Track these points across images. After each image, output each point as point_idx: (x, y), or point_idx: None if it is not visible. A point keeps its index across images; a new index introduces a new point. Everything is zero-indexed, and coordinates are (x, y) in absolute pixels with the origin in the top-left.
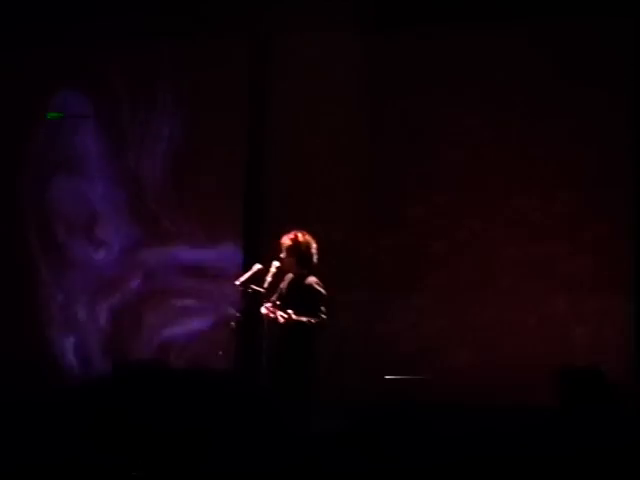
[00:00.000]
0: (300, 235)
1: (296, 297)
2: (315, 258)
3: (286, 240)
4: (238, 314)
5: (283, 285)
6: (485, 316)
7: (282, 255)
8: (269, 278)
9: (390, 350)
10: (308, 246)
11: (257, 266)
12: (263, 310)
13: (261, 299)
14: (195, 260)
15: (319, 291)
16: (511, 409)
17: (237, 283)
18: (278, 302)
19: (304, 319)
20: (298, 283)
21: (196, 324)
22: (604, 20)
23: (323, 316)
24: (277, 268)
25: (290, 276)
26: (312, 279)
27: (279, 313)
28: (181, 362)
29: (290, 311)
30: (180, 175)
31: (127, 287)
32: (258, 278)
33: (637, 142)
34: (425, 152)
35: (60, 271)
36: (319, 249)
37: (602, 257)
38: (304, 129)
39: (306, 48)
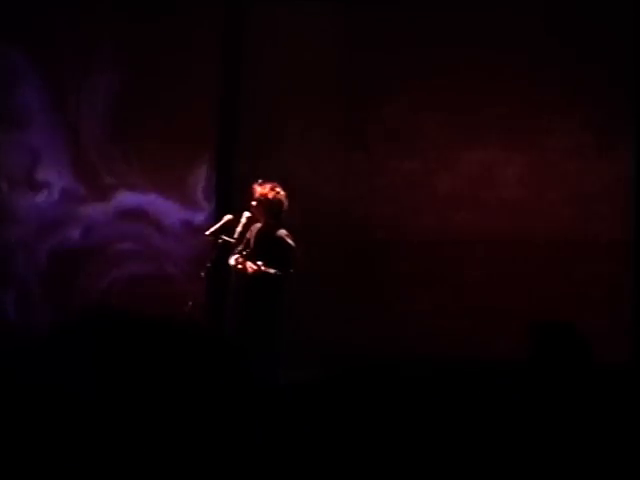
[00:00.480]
0: (272, 186)
1: (266, 249)
2: (285, 210)
3: (258, 190)
4: (208, 264)
5: (251, 235)
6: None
7: (253, 203)
8: (240, 228)
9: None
10: (280, 199)
11: (227, 216)
12: (231, 261)
13: (231, 249)
14: (138, 206)
15: (289, 244)
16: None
17: (207, 233)
18: (245, 252)
19: (272, 271)
20: (268, 234)
21: (137, 269)
22: None
23: (291, 270)
24: (247, 218)
25: (258, 226)
26: (282, 231)
27: (248, 264)
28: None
29: (260, 262)
30: (125, 126)
31: (67, 234)
32: (228, 228)
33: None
34: (400, 114)
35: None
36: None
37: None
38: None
39: (281, 16)
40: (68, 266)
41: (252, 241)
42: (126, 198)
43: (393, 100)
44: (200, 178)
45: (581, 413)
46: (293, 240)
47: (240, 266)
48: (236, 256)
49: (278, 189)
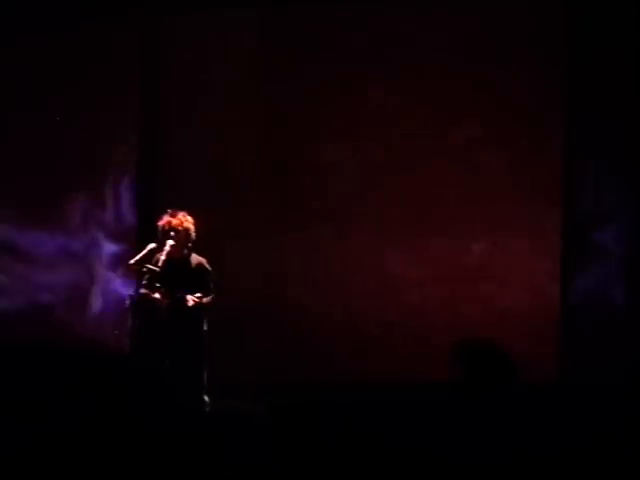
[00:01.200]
0: (183, 215)
1: (186, 277)
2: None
3: (173, 221)
4: (132, 293)
5: (161, 265)
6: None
7: (172, 234)
8: (163, 257)
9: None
10: (192, 227)
11: (151, 245)
12: (157, 295)
13: (155, 278)
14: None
15: (210, 270)
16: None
17: (131, 262)
18: (158, 284)
19: (205, 300)
20: (185, 263)
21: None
22: None
23: (213, 295)
24: (171, 247)
25: (164, 254)
26: (199, 258)
27: (188, 297)
28: None
29: (199, 294)
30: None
31: None
32: (151, 257)
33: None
34: (319, 127)
35: None
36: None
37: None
38: (198, 108)
39: (195, 29)
40: None
41: (170, 271)
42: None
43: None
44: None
45: (507, 429)
46: (209, 264)
47: (161, 298)
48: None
49: (189, 217)
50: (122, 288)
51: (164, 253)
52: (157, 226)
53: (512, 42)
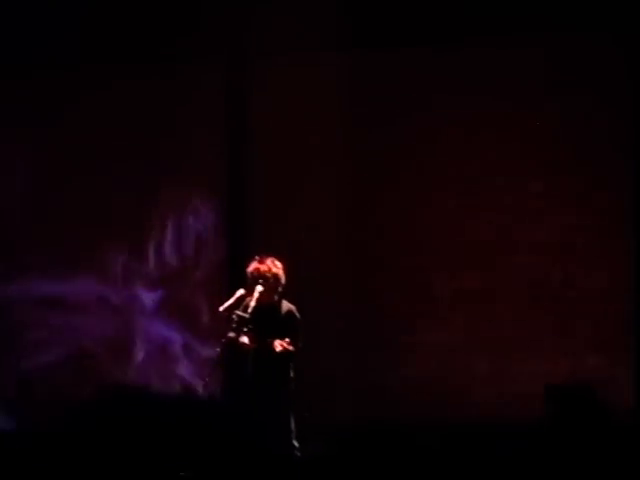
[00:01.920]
0: (272, 261)
1: (275, 323)
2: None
3: (261, 267)
4: (223, 340)
5: (250, 311)
6: None
7: (261, 281)
8: (253, 303)
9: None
10: (281, 273)
11: (240, 291)
12: (245, 339)
13: (245, 324)
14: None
15: (299, 318)
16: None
17: (221, 309)
18: (246, 329)
19: (292, 348)
20: (275, 309)
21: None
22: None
23: (300, 344)
24: (260, 293)
25: (254, 301)
26: (290, 306)
27: (277, 342)
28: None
29: (287, 340)
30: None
31: None
32: (241, 304)
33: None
34: (408, 164)
35: None
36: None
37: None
38: (286, 151)
39: (284, 69)
40: None
41: (259, 318)
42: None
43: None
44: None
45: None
46: (298, 312)
47: (251, 344)
48: (244, 336)
49: (277, 262)
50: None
51: (253, 299)
52: (246, 273)
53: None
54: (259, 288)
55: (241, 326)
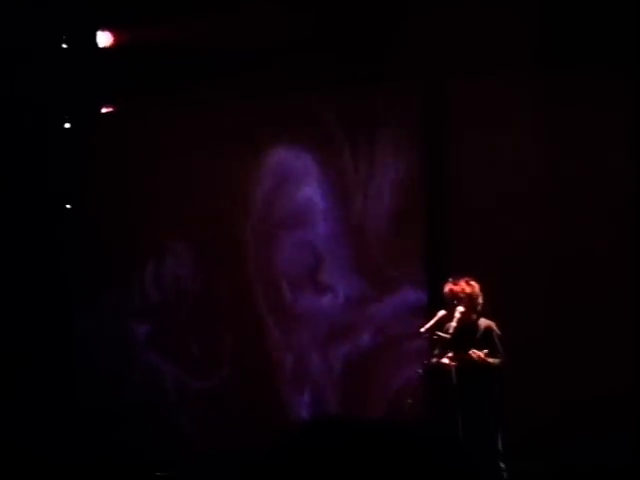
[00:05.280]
0: (466, 281)
1: (474, 341)
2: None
3: (456, 288)
4: (425, 361)
5: (452, 332)
6: None
7: (455, 302)
8: (454, 324)
9: None
10: (477, 291)
11: (441, 312)
12: (445, 360)
13: (446, 345)
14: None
15: (498, 333)
16: None
17: (422, 330)
18: (448, 351)
19: (491, 360)
20: (474, 328)
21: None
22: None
23: (502, 358)
24: (461, 314)
25: (455, 321)
26: (487, 322)
27: (474, 352)
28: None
29: (485, 351)
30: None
31: (358, 336)
32: (442, 324)
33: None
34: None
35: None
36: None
37: None
38: (484, 173)
39: (480, 91)
40: (360, 369)
41: (462, 337)
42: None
43: None
44: None
45: None
46: (498, 328)
47: (453, 362)
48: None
49: (472, 282)
50: None
51: (455, 320)
52: (443, 294)
53: None
54: (460, 309)
55: (444, 348)
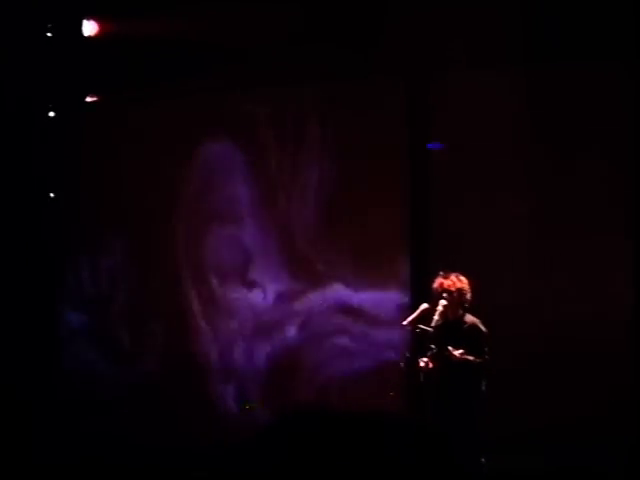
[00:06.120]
0: (456, 276)
1: (459, 338)
2: (470, 298)
3: (445, 282)
4: (407, 354)
5: (434, 325)
6: None
7: (444, 295)
8: (437, 317)
9: None
10: (466, 287)
11: (424, 305)
12: (421, 364)
13: (428, 338)
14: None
15: (483, 330)
16: None
17: (404, 323)
18: (432, 345)
19: (472, 358)
20: (459, 324)
21: (355, 366)
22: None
23: (486, 356)
24: (444, 307)
25: (437, 315)
26: (473, 318)
27: (453, 350)
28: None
29: (461, 350)
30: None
31: (285, 331)
32: (425, 317)
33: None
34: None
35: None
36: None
37: None
38: (467, 166)
39: (463, 87)
40: (285, 363)
41: (444, 332)
42: (340, 292)
43: None
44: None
45: None
46: (484, 325)
47: (430, 364)
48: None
49: (462, 278)
50: None
51: (437, 313)
52: (432, 288)
53: None
54: (443, 302)
55: (426, 341)
